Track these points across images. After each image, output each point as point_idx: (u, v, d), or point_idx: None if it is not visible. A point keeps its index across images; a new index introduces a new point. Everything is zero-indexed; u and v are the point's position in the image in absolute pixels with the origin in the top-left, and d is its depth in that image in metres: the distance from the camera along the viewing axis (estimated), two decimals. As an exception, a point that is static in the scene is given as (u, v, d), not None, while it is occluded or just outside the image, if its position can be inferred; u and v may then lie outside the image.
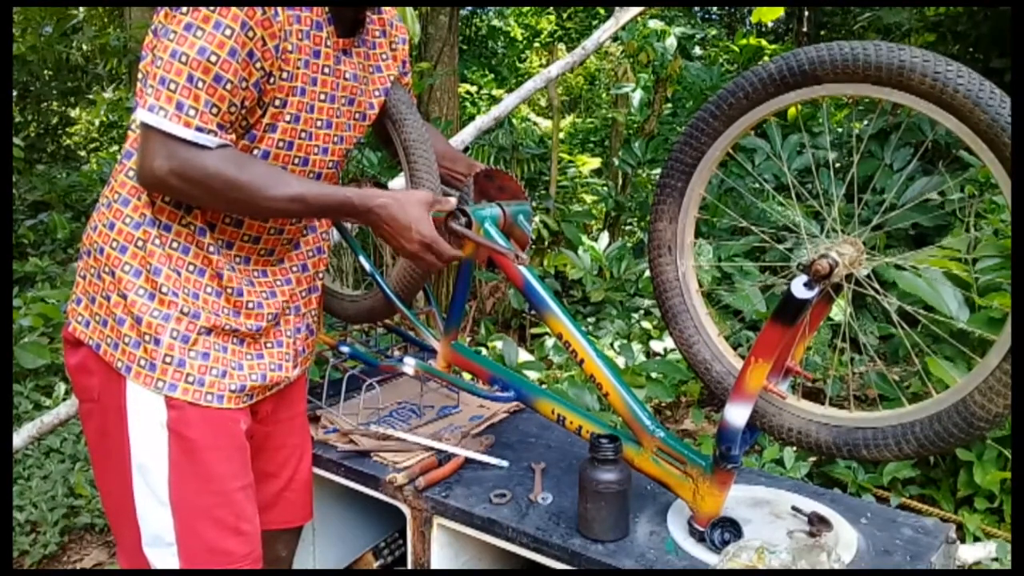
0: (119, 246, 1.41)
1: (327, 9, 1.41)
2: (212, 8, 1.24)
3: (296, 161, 1.46)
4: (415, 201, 1.42)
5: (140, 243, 1.41)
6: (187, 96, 1.25)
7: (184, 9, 1.26)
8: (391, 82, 1.66)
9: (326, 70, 1.44)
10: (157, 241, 1.41)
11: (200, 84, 1.25)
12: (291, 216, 1.45)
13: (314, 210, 1.39)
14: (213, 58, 1.25)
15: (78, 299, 1.48)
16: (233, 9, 1.25)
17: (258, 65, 1.31)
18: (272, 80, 1.35)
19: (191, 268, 1.43)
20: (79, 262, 1.50)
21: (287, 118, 1.40)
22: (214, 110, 1.27)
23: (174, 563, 1.43)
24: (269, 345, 1.55)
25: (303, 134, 1.44)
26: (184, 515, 1.42)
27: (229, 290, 1.47)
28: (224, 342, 1.46)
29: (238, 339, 1.49)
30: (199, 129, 1.26)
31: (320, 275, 1.67)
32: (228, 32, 1.25)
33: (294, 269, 1.61)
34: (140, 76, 1.37)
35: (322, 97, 1.45)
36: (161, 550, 1.43)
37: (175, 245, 1.42)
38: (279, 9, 1.29)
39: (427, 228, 1.41)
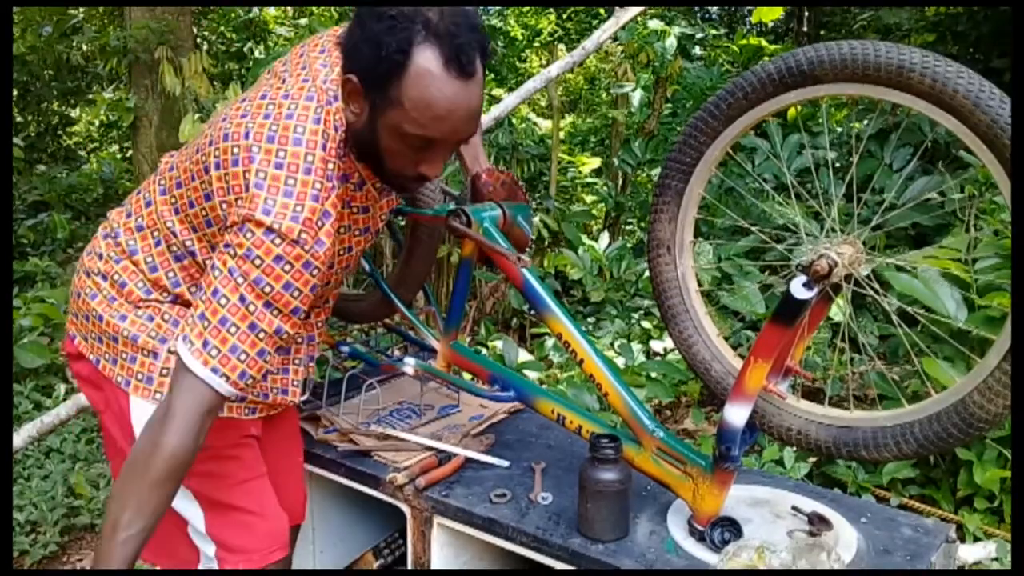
0: (120, 280, 1.43)
1: (376, 186, 1.40)
2: (258, 264, 1.19)
3: (336, 272, 1.46)
4: None
5: (146, 287, 1.43)
6: (214, 337, 1.20)
7: (238, 257, 1.20)
8: None
9: (369, 209, 1.43)
10: (166, 281, 1.42)
11: (232, 329, 1.21)
12: (107, 522, 1.21)
13: (102, 548, 1.19)
14: (251, 309, 1.21)
15: (75, 314, 1.50)
16: (277, 271, 1.20)
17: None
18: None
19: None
20: (75, 278, 1.50)
21: (348, 253, 1.43)
22: (241, 357, 1.22)
23: (211, 548, 1.48)
24: (274, 371, 1.55)
25: (344, 251, 1.43)
26: (211, 508, 1.47)
27: None
28: None
29: None
30: (214, 371, 1.21)
31: (337, 297, 1.68)
32: (268, 289, 1.21)
33: (316, 304, 1.60)
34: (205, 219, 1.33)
35: (364, 222, 1.44)
36: (200, 538, 1.49)
37: (185, 278, 1.43)
38: (328, 244, 1.25)
39: None
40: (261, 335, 1.22)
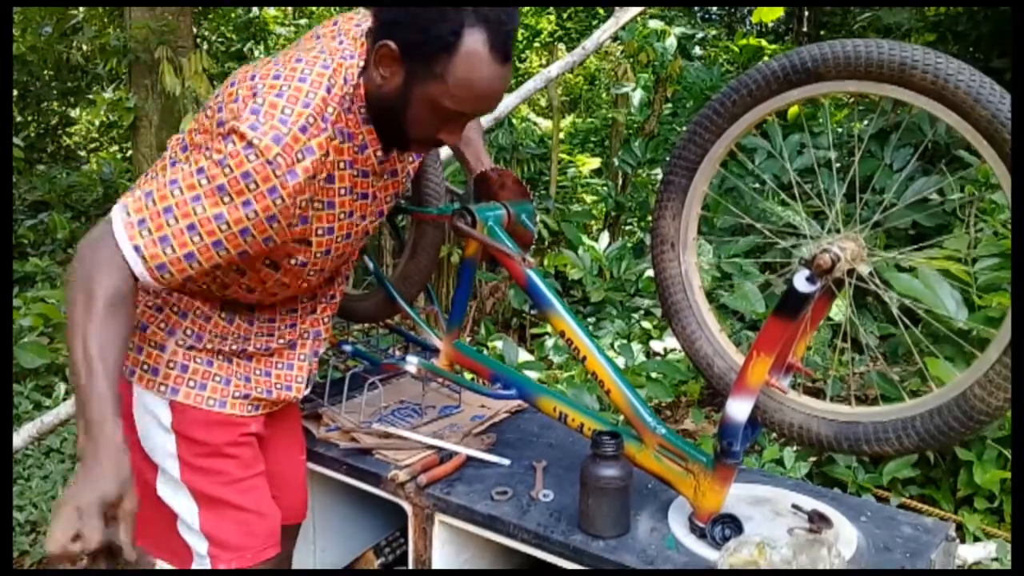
0: None
1: (378, 155, 1.39)
2: (227, 172, 1.19)
3: (311, 274, 1.45)
4: (102, 486, 1.09)
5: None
6: (152, 220, 1.20)
7: (210, 161, 1.20)
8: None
9: (376, 182, 1.43)
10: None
11: (171, 219, 1.19)
12: (71, 370, 1.20)
13: (80, 388, 1.15)
14: (198, 211, 1.20)
15: None
16: (243, 187, 1.19)
17: (287, 224, 1.28)
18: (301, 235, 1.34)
19: (211, 297, 1.44)
20: None
21: (338, 239, 1.41)
22: (168, 250, 1.20)
23: (203, 546, 1.48)
24: (280, 366, 1.55)
25: (342, 238, 1.43)
26: (207, 505, 1.47)
27: (245, 316, 1.49)
28: (230, 355, 1.48)
29: (246, 356, 1.50)
30: (136, 249, 1.19)
31: (344, 293, 1.68)
32: (226, 200, 1.20)
33: (323, 299, 1.61)
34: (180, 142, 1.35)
35: (364, 199, 1.42)
36: (192, 534, 1.48)
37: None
38: (336, 173, 1.28)
39: (86, 499, 1.07)
40: (196, 239, 1.20)
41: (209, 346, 1.45)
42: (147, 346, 1.41)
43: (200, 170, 1.20)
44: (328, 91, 1.26)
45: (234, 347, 1.47)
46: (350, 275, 1.69)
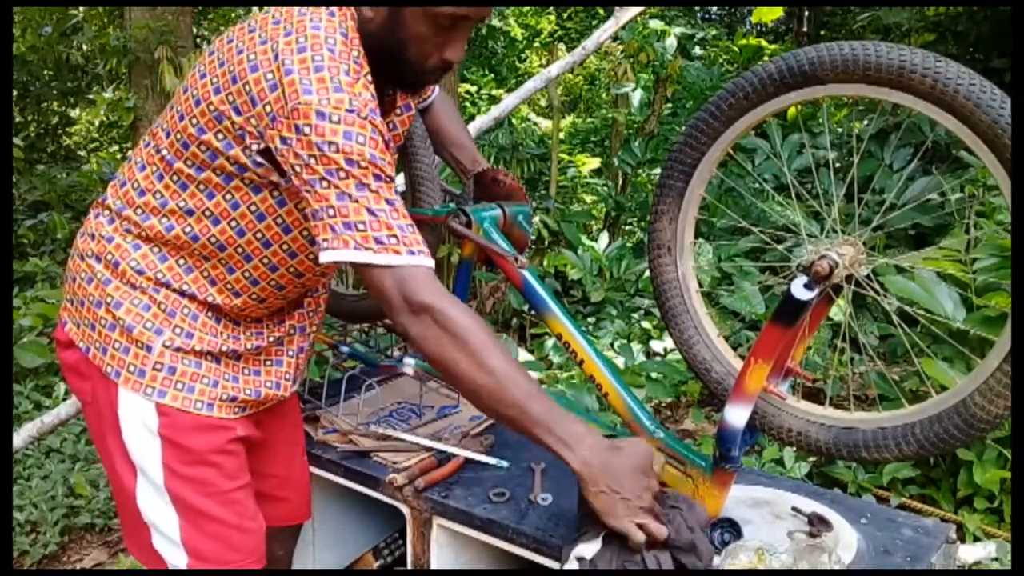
0: (113, 259, 1.41)
1: (391, 91, 1.39)
2: (342, 134, 1.18)
3: None
4: (643, 469, 1.23)
5: (139, 266, 1.41)
6: (379, 228, 1.21)
7: (327, 147, 1.18)
8: (414, 118, 1.65)
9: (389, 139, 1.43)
10: (160, 265, 1.41)
11: (382, 213, 1.21)
12: (503, 422, 1.27)
13: (527, 429, 1.23)
14: (375, 184, 1.20)
15: (70, 300, 1.48)
16: (358, 119, 1.19)
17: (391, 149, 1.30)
18: None
19: (198, 290, 1.43)
20: (70, 262, 1.49)
21: None
22: (410, 229, 1.23)
23: (183, 560, 1.43)
24: (268, 363, 1.54)
25: None
26: (187, 515, 1.43)
27: (233, 314, 1.48)
28: (219, 355, 1.46)
29: (235, 356, 1.49)
30: (411, 253, 1.22)
31: (327, 290, 1.67)
32: (361, 166, 1.20)
33: (309, 293, 1.60)
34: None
35: None
36: (170, 547, 1.44)
37: (181, 263, 1.42)
38: (374, 106, 1.25)
39: (650, 502, 1.22)
40: (398, 202, 1.23)
41: (198, 347, 1.42)
42: (134, 347, 1.38)
43: (329, 173, 1.18)
44: (344, 36, 1.25)
45: (224, 348, 1.45)
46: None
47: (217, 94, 1.28)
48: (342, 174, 1.19)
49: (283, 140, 1.21)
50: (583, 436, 1.22)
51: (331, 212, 1.20)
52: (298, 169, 1.21)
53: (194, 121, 1.32)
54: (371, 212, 1.20)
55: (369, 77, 1.27)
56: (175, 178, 1.37)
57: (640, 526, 1.18)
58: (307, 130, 1.18)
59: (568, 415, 1.24)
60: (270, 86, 1.22)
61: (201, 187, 1.35)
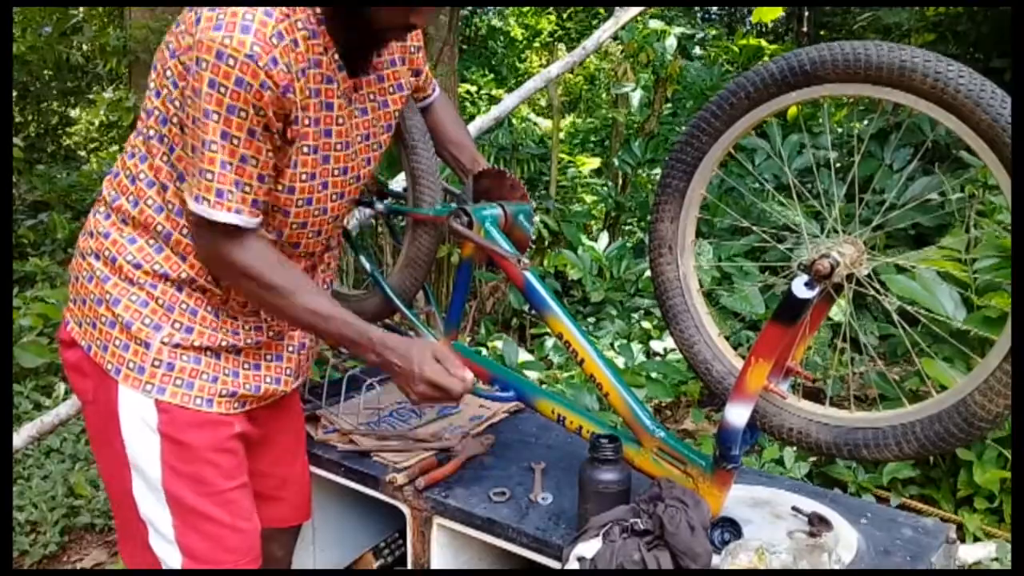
0: (111, 256, 1.41)
1: (336, 57, 1.37)
2: (223, 92, 1.23)
3: (316, 213, 1.45)
4: (423, 347, 1.43)
5: (135, 260, 1.41)
6: (224, 183, 1.28)
7: (202, 98, 1.24)
8: (409, 99, 1.64)
9: (340, 120, 1.41)
10: (157, 256, 1.41)
11: (228, 167, 1.27)
12: (307, 329, 1.50)
13: (331, 332, 1.42)
14: (235, 141, 1.26)
15: (73, 299, 1.48)
16: (243, 94, 1.23)
17: (275, 137, 1.31)
18: (288, 144, 1.35)
19: (196, 275, 1.43)
20: (73, 261, 1.50)
21: (303, 177, 1.39)
22: (246, 189, 1.30)
23: (177, 559, 1.44)
24: (268, 358, 1.54)
25: (320, 186, 1.42)
26: (181, 514, 1.43)
27: (231, 307, 1.47)
28: (218, 351, 1.46)
29: (235, 351, 1.49)
30: (238, 212, 1.30)
31: (328, 286, 1.67)
32: (243, 115, 1.25)
33: None
34: (170, 130, 1.36)
35: (337, 147, 1.42)
36: (165, 546, 1.44)
37: (178, 268, 1.42)
38: (288, 83, 1.27)
39: (430, 371, 1.40)
40: (254, 162, 1.29)
41: (198, 342, 1.42)
42: (133, 344, 1.39)
43: (206, 113, 1.23)
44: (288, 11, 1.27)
45: (223, 342, 1.45)
46: (333, 264, 1.67)
47: (173, 57, 1.31)
48: (215, 116, 1.24)
49: (184, 68, 1.27)
50: (370, 329, 1.42)
51: (193, 152, 1.28)
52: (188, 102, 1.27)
53: (166, 91, 1.34)
54: (223, 165, 1.27)
55: (294, 22, 1.28)
56: (160, 156, 1.38)
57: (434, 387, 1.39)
58: (203, 67, 1.22)
59: (363, 326, 1.43)
60: (189, 31, 1.26)
61: (180, 160, 1.36)
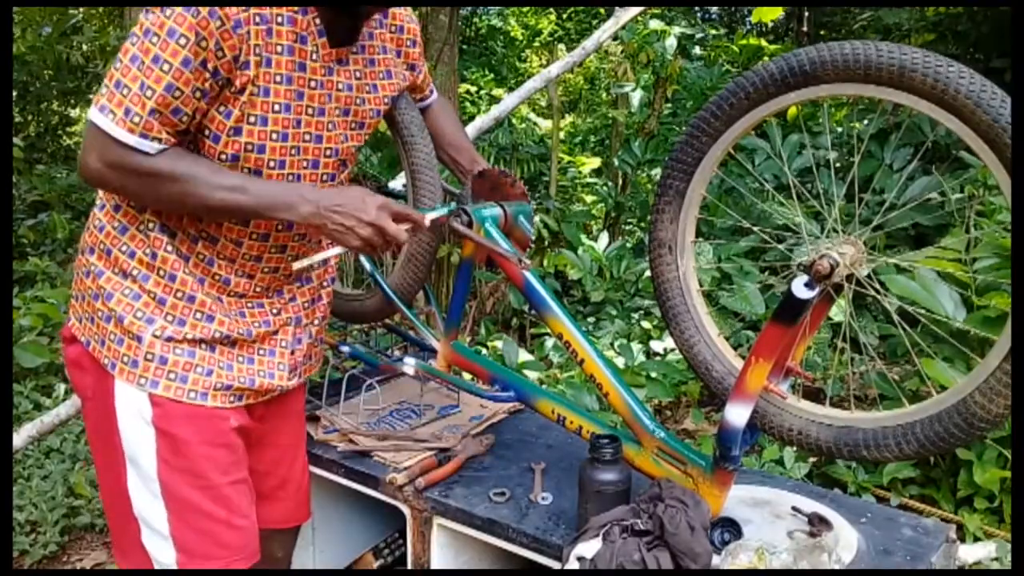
0: (105, 248, 1.42)
1: (317, 21, 1.37)
2: (168, 14, 1.22)
3: (289, 179, 1.42)
4: (366, 191, 1.39)
5: (129, 248, 1.41)
6: (136, 103, 1.25)
7: (149, 14, 1.24)
8: (401, 90, 1.64)
9: (313, 83, 1.40)
10: (147, 240, 1.41)
11: (150, 92, 1.25)
12: (235, 211, 1.37)
13: (260, 201, 1.34)
14: (165, 67, 1.24)
15: (74, 296, 1.50)
16: (188, 18, 1.22)
17: (214, 75, 1.28)
18: (236, 90, 1.32)
19: (188, 273, 1.43)
20: (78, 258, 1.51)
21: (274, 136, 1.37)
22: (161, 119, 1.27)
23: (171, 556, 1.43)
24: (262, 352, 1.53)
25: (293, 150, 1.40)
26: (176, 509, 1.43)
27: (225, 297, 1.47)
28: (212, 343, 1.46)
29: (230, 343, 1.49)
30: (143, 136, 1.27)
31: (326, 284, 1.66)
32: (182, 41, 1.23)
33: (298, 282, 1.60)
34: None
35: (310, 111, 1.41)
36: (159, 542, 1.44)
37: (170, 249, 1.42)
38: (241, 19, 1.26)
39: (379, 215, 1.36)
40: (178, 93, 1.26)
41: (191, 335, 1.42)
42: (127, 337, 1.39)
43: (131, 37, 1.25)
44: None
45: (217, 333, 1.45)
46: (332, 263, 1.67)
47: None
48: (153, 39, 1.24)
49: None
50: (297, 184, 1.41)
51: (118, 65, 1.27)
52: None
53: None
54: (144, 87, 1.25)
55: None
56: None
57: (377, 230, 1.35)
58: (147, 14, 1.25)
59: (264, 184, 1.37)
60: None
61: None
